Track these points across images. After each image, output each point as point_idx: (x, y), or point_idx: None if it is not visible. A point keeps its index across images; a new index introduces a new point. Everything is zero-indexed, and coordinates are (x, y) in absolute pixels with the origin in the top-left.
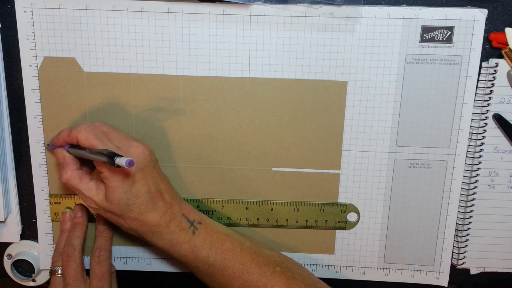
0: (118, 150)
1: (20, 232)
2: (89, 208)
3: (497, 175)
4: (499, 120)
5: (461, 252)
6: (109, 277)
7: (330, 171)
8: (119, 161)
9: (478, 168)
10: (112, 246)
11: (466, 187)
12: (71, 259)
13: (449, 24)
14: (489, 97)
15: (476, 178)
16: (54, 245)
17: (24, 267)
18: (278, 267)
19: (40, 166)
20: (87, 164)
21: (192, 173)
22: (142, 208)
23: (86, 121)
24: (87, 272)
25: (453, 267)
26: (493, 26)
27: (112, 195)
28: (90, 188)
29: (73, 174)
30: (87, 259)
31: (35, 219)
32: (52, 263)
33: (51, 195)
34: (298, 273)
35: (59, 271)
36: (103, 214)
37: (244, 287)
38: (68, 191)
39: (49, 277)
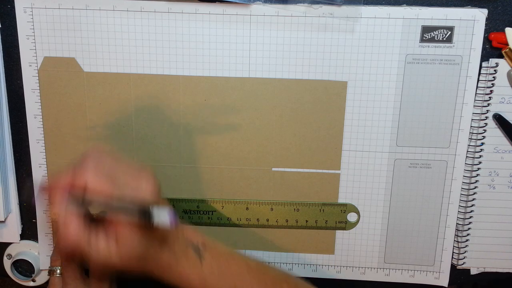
0: (125, 188)
1: (20, 232)
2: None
3: (497, 175)
4: (499, 120)
5: (461, 252)
6: (108, 277)
7: (330, 171)
8: (158, 220)
9: (478, 168)
10: None
11: (466, 187)
12: (70, 259)
13: (449, 24)
14: (489, 97)
15: (476, 178)
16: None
17: (24, 267)
18: (285, 284)
19: (40, 166)
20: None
21: (192, 173)
22: (157, 250)
23: (86, 121)
24: (87, 272)
25: (453, 267)
26: (493, 26)
27: (125, 250)
28: (99, 249)
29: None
30: None
31: (35, 219)
32: (50, 262)
33: None
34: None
35: (58, 271)
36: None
37: None
38: None
39: (48, 277)
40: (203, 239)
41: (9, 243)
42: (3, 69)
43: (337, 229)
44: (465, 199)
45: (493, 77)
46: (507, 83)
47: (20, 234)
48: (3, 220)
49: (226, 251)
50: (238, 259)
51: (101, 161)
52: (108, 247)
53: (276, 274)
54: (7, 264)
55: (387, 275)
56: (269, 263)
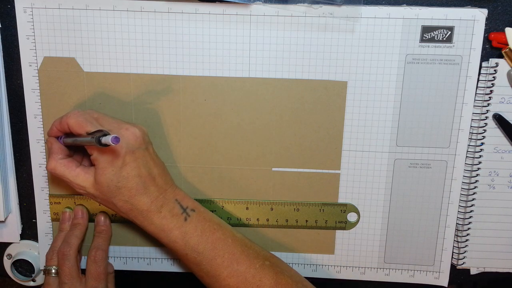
0: (101, 127)
1: (20, 232)
2: (80, 193)
3: (497, 175)
4: (499, 120)
5: (461, 252)
6: (105, 277)
7: (330, 171)
8: (105, 139)
9: (478, 168)
10: (112, 246)
11: (466, 187)
12: (66, 257)
13: (449, 24)
14: (489, 97)
15: (476, 178)
16: None
17: (24, 267)
18: (267, 261)
19: (40, 166)
20: (79, 153)
21: (192, 173)
22: (133, 192)
23: None
24: (84, 271)
25: (453, 267)
26: (493, 26)
27: (101, 177)
28: (77, 175)
29: (57, 162)
30: (85, 259)
31: (35, 219)
32: (46, 261)
33: (51, 195)
34: (286, 270)
35: (53, 271)
36: (94, 199)
37: (232, 276)
38: (68, 191)
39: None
40: (194, 206)
41: (9, 243)
42: (3, 69)
43: (337, 229)
44: (465, 199)
45: (493, 77)
46: (507, 83)
47: (20, 234)
48: (3, 220)
49: (215, 221)
50: (225, 229)
51: (88, 112)
52: (85, 174)
53: (260, 251)
54: (7, 264)
55: (387, 275)
56: None
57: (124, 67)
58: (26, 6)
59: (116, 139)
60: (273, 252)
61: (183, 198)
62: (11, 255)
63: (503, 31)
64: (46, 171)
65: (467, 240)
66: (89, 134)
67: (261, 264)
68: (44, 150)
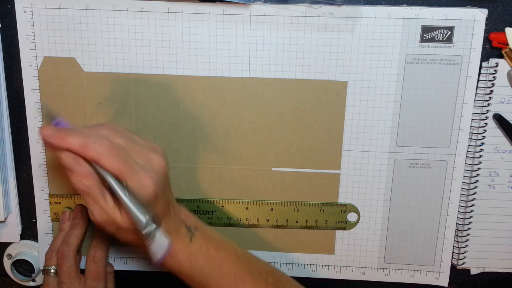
0: (137, 165)
1: (20, 232)
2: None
3: (497, 175)
4: (499, 120)
5: (461, 252)
6: (104, 277)
7: (330, 171)
8: (155, 248)
9: (478, 168)
10: (111, 246)
11: (466, 187)
12: (65, 257)
13: (449, 24)
14: (489, 97)
15: (476, 178)
16: None
17: (24, 267)
18: (271, 277)
19: (40, 166)
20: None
21: (192, 173)
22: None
23: (86, 121)
24: (83, 271)
25: (453, 267)
26: (493, 26)
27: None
28: (108, 207)
29: (96, 182)
30: (85, 259)
31: (35, 219)
32: (45, 261)
33: (51, 195)
34: (288, 282)
35: (52, 271)
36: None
37: None
38: (68, 191)
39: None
40: (196, 223)
41: (9, 243)
42: (3, 69)
43: (337, 229)
44: (465, 199)
45: (493, 77)
46: (507, 83)
47: (20, 234)
48: (3, 220)
49: (217, 237)
50: (227, 246)
51: (118, 143)
52: (114, 206)
53: (262, 266)
54: (7, 264)
55: (387, 275)
56: (269, 263)
57: (124, 67)
58: (26, 6)
59: (167, 251)
60: (273, 252)
61: (186, 216)
62: (11, 255)
63: (503, 31)
64: (46, 171)
65: (467, 240)
66: (143, 232)
67: (265, 282)
68: (44, 150)
